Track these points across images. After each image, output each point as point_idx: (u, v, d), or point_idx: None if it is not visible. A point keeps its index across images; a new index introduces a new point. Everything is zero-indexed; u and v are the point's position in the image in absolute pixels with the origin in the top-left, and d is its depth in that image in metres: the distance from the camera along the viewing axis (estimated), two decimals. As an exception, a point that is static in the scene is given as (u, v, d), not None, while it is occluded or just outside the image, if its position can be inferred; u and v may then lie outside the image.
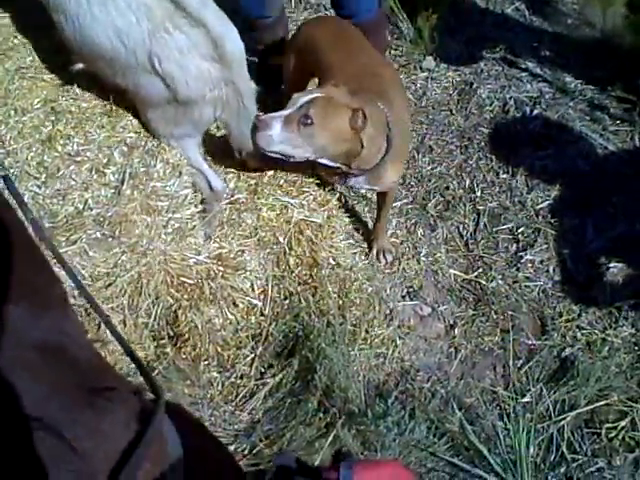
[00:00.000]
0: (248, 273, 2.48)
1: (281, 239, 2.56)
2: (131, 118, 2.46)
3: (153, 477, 0.73)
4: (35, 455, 0.65)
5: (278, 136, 2.17)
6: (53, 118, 2.43)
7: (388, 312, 2.72)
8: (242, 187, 2.62)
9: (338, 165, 2.34)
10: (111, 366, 0.86)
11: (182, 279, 2.38)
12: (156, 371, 2.42)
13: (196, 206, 2.47)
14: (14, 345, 0.67)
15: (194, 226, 2.44)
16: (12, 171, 2.31)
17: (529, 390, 2.52)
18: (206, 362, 2.51)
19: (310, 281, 2.59)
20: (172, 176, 2.44)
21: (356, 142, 2.25)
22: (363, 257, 2.78)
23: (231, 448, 2.36)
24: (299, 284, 2.58)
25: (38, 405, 0.66)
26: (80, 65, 2.37)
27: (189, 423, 0.90)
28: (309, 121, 2.17)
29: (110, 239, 2.31)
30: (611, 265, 2.87)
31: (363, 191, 2.94)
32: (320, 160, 2.30)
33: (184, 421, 0.86)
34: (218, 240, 2.48)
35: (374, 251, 2.86)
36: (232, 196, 2.58)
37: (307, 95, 2.22)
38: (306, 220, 2.61)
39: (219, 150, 2.59)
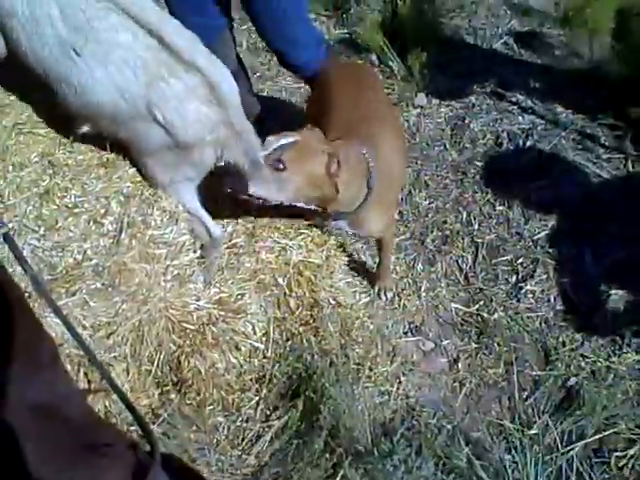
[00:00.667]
0: (249, 316, 2.49)
1: (281, 281, 2.57)
2: (127, 168, 2.48)
3: None
4: None
5: (250, 180, 2.18)
6: (50, 171, 2.45)
7: (391, 349, 2.72)
8: (240, 231, 2.63)
9: (315, 208, 2.34)
10: (105, 421, 0.87)
11: (184, 325, 2.39)
12: (161, 418, 2.42)
13: (194, 252, 2.47)
14: (11, 409, 0.68)
15: (193, 272, 2.45)
16: (11, 225, 2.32)
17: (535, 422, 2.51)
18: (211, 407, 2.50)
19: (311, 321, 2.59)
20: (169, 224, 2.45)
21: (330, 187, 2.23)
22: (363, 295, 2.78)
23: (239, 493, 2.35)
24: (300, 325, 2.58)
25: (39, 468, 0.67)
26: (86, 128, 2.40)
27: (187, 476, 0.91)
28: (281, 166, 2.16)
29: (110, 289, 2.31)
30: (612, 292, 2.88)
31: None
32: (296, 203, 2.30)
33: (182, 474, 0.87)
34: (218, 285, 2.49)
35: (376, 288, 2.87)
36: (230, 240, 2.59)
37: (281, 139, 2.21)
38: (305, 261, 2.61)
39: (213, 195, 2.61)
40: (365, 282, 2.90)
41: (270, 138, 2.24)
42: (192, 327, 2.40)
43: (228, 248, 2.59)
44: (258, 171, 2.18)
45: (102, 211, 2.40)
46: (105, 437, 0.78)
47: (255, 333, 2.49)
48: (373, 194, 2.35)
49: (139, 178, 2.50)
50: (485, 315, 2.85)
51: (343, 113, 2.53)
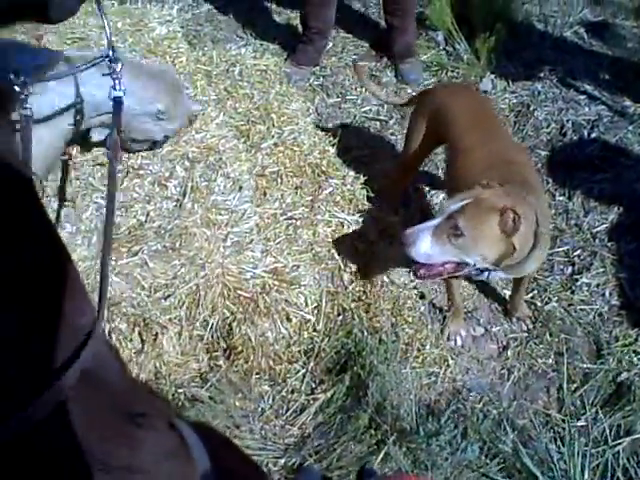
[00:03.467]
0: (302, 288, 2.50)
1: (336, 255, 2.58)
2: (193, 133, 2.50)
3: None
4: None
5: (429, 249, 2.12)
6: (117, 133, 2.50)
7: (440, 331, 2.71)
8: (299, 203, 2.65)
9: (487, 267, 2.22)
10: (147, 388, 0.87)
11: (238, 292, 2.41)
12: (209, 383, 2.45)
13: (254, 221, 2.50)
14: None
15: (252, 240, 2.47)
16: (78, 183, 2.37)
17: (584, 414, 2.49)
18: (258, 376, 2.53)
19: (364, 298, 2.60)
20: (232, 190, 2.48)
21: (509, 245, 2.11)
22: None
23: (281, 462, 2.37)
24: (352, 300, 2.59)
25: (85, 434, 0.67)
26: None
27: (220, 443, 0.91)
28: (459, 232, 2.08)
29: (170, 251, 2.35)
30: (670, 290, 2.83)
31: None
32: (474, 264, 2.18)
33: (215, 441, 0.87)
34: (274, 254, 2.51)
35: (513, 318, 2.80)
36: (290, 211, 2.61)
37: (457, 203, 2.12)
38: (361, 237, 2.62)
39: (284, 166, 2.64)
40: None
41: (445, 203, 2.19)
42: (246, 295, 2.42)
43: (287, 219, 2.61)
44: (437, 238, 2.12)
45: (167, 174, 2.42)
46: (146, 406, 0.79)
47: (307, 305, 2.51)
48: (540, 242, 2.21)
49: (205, 143, 2.53)
50: (538, 304, 2.82)
51: (481, 153, 2.41)
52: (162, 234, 2.34)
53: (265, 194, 2.67)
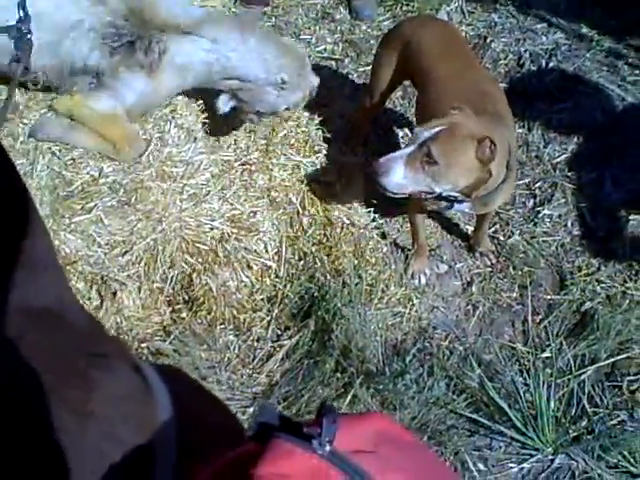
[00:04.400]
0: (261, 234, 2.47)
1: (294, 199, 2.54)
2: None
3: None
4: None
5: (402, 179, 2.07)
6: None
7: (404, 271, 2.69)
8: (253, 147, 2.59)
9: (458, 195, 2.19)
10: (105, 330, 0.84)
11: (197, 245, 2.37)
12: (172, 335, 2.42)
13: (211, 171, 2.44)
14: (18, 311, 0.66)
15: (209, 192, 2.42)
16: (30, 140, 2.31)
17: (549, 345, 2.50)
18: (222, 326, 2.50)
19: (324, 241, 2.57)
20: (187, 141, 2.42)
21: (484, 173, 2.10)
22: (377, 215, 2.73)
23: (249, 411, 2.36)
24: (313, 244, 2.56)
25: (44, 375, 0.65)
26: None
27: (186, 386, 0.89)
28: (433, 160, 2.04)
29: (126, 207, 2.30)
30: (631, 218, 2.83)
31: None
32: (445, 193, 2.16)
33: (182, 386, 0.84)
34: (231, 201, 2.46)
35: (476, 254, 2.77)
36: (244, 157, 2.55)
37: (429, 130, 2.06)
38: (319, 179, 2.57)
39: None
40: (377, 201, 2.81)
41: (417, 129, 2.12)
42: (205, 247, 2.38)
43: (242, 165, 2.55)
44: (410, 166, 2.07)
45: (120, 128, 2.36)
46: (107, 347, 0.76)
47: (267, 252, 2.48)
48: (511, 173, 2.21)
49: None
50: (501, 238, 2.81)
51: (455, 85, 2.36)
52: (117, 189, 2.29)
53: (219, 140, 2.61)
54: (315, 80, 2.53)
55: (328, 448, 0.71)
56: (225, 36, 2.29)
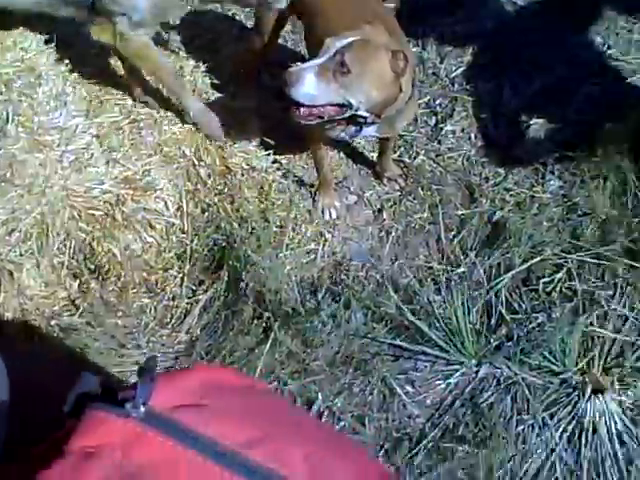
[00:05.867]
0: (159, 192, 2.40)
1: (187, 152, 2.47)
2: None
3: None
4: None
5: (313, 90, 2.00)
6: None
7: (312, 207, 2.65)
8: (138, 104, 2.50)
9: (369, 116, 2.13)
10: None
11: (90, 211, 2.30)
12: (81, 309, 2.36)
13: (90, 134, 2.35)
14: None
15: (92, 155, 2.33)
16: None
17: (464, 260, 2.49)
18: (134, 290, 2.44)
19: (226, 190, 2.51)
20: (57, 107, 2.31)
21: (396, 87, 2.07)
22: (278, 157, 2.68)
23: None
24: (215, 195, 2.50)
25: None
26: None
27: (20, 356, 0.85)
28: (346, 69, 1.98)
29: (3, 183, 2.20)
30: (532, 122, 2.82)
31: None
32: (357, 112, 2.10)
33: (14, 354, 0.81)
34: (122, 162, 2.38)
35: (384, 180, 2.73)
36: (129, 115, 2.46)
37: (341, 40, 2.01)
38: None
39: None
40: (275, 142, 2.75)
41: (328, 40, 2.05)
42: (99, 212, 2.31)
43: (129, 123, 2.47)
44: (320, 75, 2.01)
45: (-20, 101, 2.25)
46: None
47: (168, 209, 2.42)
48: (415, 91, 2.21)
49: (18, 62, 2.34)
50: (407, 161, 2.78)
51: (349, 16, 2.27)
52: (-11, 167, 2.19)
53: (102, 102, 2.51)
54: None
55: (143, 409, 0.68)
56: None
